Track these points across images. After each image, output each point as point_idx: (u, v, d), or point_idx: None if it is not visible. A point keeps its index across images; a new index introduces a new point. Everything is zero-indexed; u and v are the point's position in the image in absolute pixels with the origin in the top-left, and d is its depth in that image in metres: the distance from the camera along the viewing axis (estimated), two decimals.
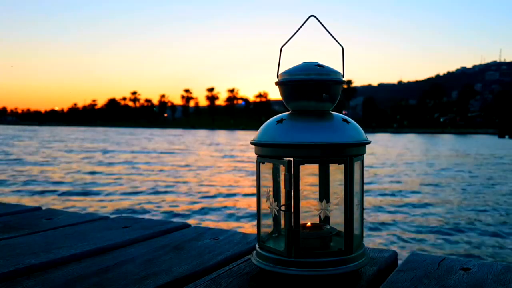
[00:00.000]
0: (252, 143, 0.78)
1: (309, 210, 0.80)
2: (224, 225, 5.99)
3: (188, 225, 1.16)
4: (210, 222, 6.27)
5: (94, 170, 12.93)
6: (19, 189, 9.13)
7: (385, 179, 11.59)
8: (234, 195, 8.75)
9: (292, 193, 0.72)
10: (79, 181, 10.54)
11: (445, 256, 0.88)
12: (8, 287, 0.73)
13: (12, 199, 7.81)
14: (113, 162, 15.91)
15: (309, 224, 0.81)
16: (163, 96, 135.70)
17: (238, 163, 16.00)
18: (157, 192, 8.98)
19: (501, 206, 8.08)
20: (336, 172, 0.77)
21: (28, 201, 7.63)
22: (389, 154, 21.60)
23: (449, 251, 5.06)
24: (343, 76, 0.77)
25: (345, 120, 0.76)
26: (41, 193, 8.66)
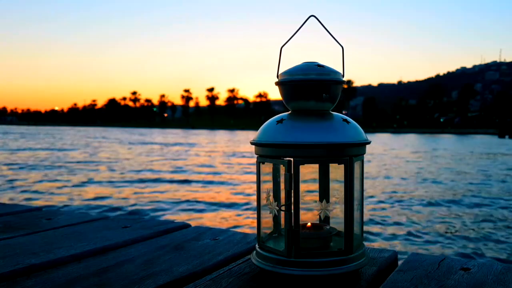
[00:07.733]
0: (252, 143, 0.78)
1: (309, 210, 0.80)
2: (224, 225, 5.99)
3: (188, 225, 1.16)
4: (210, 222, 6.27)
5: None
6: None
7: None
8: (236, 194, 8.76)
9: (292, 193, 0.72)
10: None
11: (445, 256, 0.88)
12: (8, 287, 0.73)
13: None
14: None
15: (309, 224, 0.81)
16: (163, 96, 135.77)
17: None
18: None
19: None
20: (336, 172, 0.77)
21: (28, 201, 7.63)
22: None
23: (449, 251, 5.06)
24: (343, 76, 0.77)
25: (345, 120, 0.76)
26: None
